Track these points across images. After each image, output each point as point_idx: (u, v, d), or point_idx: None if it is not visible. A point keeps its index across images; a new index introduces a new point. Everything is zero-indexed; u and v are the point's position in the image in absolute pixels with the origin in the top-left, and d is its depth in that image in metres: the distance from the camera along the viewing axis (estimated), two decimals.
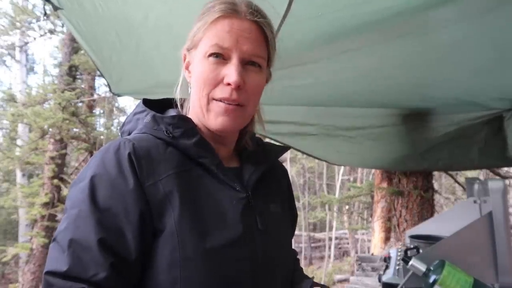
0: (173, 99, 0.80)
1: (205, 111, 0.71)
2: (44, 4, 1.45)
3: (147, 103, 0.77)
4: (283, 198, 0.87)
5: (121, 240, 0.60)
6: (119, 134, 0.79)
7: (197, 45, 0.72)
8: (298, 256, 0.98)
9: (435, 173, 4.38)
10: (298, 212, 0.99)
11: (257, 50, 0.71)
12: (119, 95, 2.06)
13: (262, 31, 0.72)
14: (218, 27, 0.69)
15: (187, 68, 0.76)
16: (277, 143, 2.73)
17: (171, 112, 0.78)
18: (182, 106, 0.80)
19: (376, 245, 3.66)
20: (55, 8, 1.35)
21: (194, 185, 0.67)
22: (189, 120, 0.73)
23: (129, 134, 0.75)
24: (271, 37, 0.74)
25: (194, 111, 0.75)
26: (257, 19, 0.70)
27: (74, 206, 0.61)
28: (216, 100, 0.70)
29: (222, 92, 0.69)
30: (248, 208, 0.71)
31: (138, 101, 0.78)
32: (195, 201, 0.66)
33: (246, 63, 0.70)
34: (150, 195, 0.63)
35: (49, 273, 0.58)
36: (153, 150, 0.67)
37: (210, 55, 0.69)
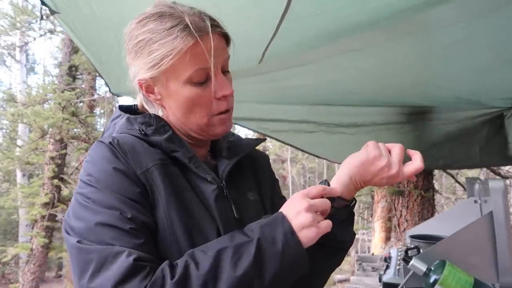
0: None
1: (205, 127, 0.74)
2: (41, 8, 1.43)
3: (123, 108, 0.81)
4: (265, 185, 0.88)
5: (145, 211, 0.64)
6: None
7: (170, 72, 0.69)
8: None
9: (436, 173, 4.37)
10: None
11: (227, 58, 0.74)
12: (118, 95, 2.06)
13: (225, 37, 0.74)
14: (192, 51, 0.67)
15: (150, 92, 0.74)
16: (278, 142, 2.73)
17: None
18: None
19: (376, 245, 3.66)
20: (52, 12, 1.34)
21: (173, 178, 0.70)
22: (161, 119, 0.76)
23: None
24: (229, 38, 0.75)
25: (176, 122, 0.76)
26: (220, 30, 0.72)
27: (100, 210, 0.62)
28: (215, 114, 0.74)
29: (219, 106, 0.73)
30: (222, 198, 0.73)
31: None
32: (176, 193, 0.69)
33: (222, 72, 0.74)
34: (144, 182, 0.66)
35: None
36: (135, 144, 0.70)
37: (196, 81, 0.70)
